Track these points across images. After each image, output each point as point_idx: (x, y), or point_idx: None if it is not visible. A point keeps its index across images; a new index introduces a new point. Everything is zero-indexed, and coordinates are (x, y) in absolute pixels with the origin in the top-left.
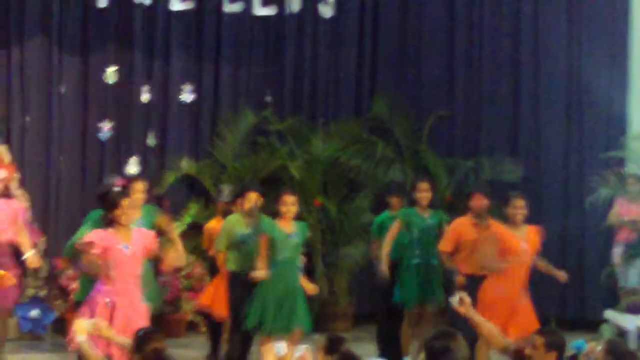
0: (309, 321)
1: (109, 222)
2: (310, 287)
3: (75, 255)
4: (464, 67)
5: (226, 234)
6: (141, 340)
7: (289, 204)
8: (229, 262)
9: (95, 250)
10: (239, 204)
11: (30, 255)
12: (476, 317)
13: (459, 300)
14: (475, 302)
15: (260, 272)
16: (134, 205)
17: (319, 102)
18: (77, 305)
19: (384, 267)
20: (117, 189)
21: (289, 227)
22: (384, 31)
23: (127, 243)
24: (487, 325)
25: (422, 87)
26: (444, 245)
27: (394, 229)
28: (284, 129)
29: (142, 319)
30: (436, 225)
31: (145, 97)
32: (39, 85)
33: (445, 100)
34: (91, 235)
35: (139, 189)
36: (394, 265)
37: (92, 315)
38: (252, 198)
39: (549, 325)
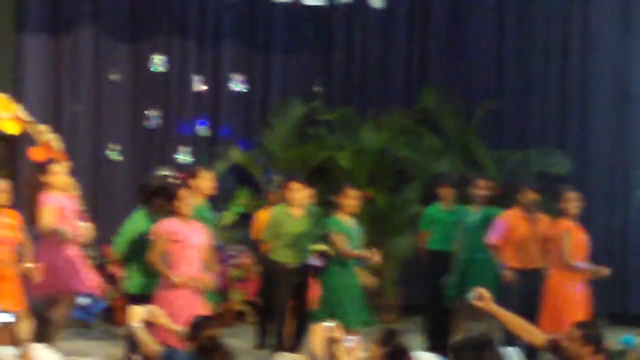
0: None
1: (168, 213)
2: (369, 280)
3: (129, 251)
4: (513, 59)
5: (272, 225)
6: (197, 327)
7: (352, 197)
8: (274, 252)
9: (164, 241)
10: (284, 194)
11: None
12: (499, 312)
13: (479, 296)
14: (533, 295)
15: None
16: (203, 194)
17: (368, 93)
18: (127, 297)
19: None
20: (174, 180)
21: (349, 220)
22: (433, 22)
23: (191, 233)
24: (513, 320)
25: (471, 78)
26: (493, 239)
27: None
28: (333, 120)
29: (200, 307)
30: (485, 219)
31: (196, 86)
32: (90, 74)
33: (494, 92)
34: (159, 226)
35: (208, 178)
36: (442, 258)
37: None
38: (295, 188)
39: (599, 319)
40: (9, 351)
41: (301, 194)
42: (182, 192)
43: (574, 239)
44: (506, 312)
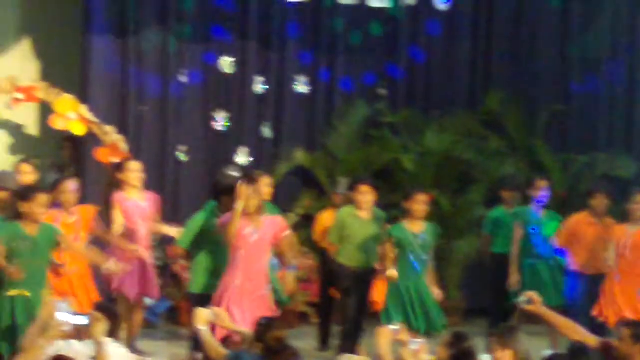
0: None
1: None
2: (437, 292)
3: (191, 245)
4: (579, 61)
5: (339, 227)
6: (263, 329)
7: (421, 202)
8: (340, 255)
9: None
10: (351, 197)
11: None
12: (550, 315)
13: (529, 300)
14: (596, 299)
15: (391, 272)
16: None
17: (432, 95)
18: (191, 297)
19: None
20: (241, 178)
21: (417, 226)
22: (498, 25)
23: (255, 230)
24: (564, 323)
25: (536, 81)
26: (558, 242)
27: (517, 235)
28: (397, 122)
29: (264, 308)
30: (549, 222)
31: (260, 88)
32: (155, 75)
33: (559, 95)
34: (222, 219)
35: (266, 183)
36: (506, 261)
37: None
38: (364, 191)
39: None
40: (84, 347)
41: (369, 197)
42: (248, 190)
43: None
44: (557, 315)
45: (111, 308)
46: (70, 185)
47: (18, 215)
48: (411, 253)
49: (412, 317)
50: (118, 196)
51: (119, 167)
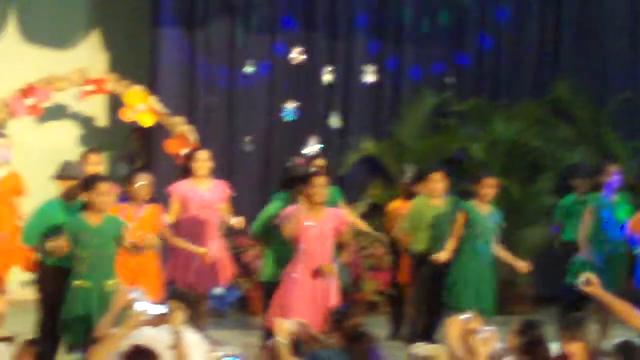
0: (494, 304)
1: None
2: (523, 264)
3: (264, 234)
4: None
5: (413, 215)
6: (340, 317)
7: (489, 186)
8: (416, 243)
9: (290, 222)
10: (423, 185)
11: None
12: (607, 297)
13: (586, 281)
14: None
15: (442, 254)
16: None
17: (500, 84)
18: (261, 286)
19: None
20: (311, 168)
21: (485, 209)
22: (566, 12)
23: (317, 221)
24: (620, 306)
25: (604, 69)
26: (631, 227)
27: (587, 220)
28: (465, 111)
29: (332, 297)
30: (620, 209)
31: (327, 78)
32: (223, 66)
33: (628, 83)
34: (285, 211)
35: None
36: (577, 249)
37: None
38: (437, 179)
39: None
40: (159, 333)
41: (442, 185)
42: (318, 180)
43: None
44: (614, 298)
45: (187, 296)
46: (142, 179)
47: (84, 206)
48: (479, 234)
49: (480, 300)
50: (182, 186)
51: (188, 157)
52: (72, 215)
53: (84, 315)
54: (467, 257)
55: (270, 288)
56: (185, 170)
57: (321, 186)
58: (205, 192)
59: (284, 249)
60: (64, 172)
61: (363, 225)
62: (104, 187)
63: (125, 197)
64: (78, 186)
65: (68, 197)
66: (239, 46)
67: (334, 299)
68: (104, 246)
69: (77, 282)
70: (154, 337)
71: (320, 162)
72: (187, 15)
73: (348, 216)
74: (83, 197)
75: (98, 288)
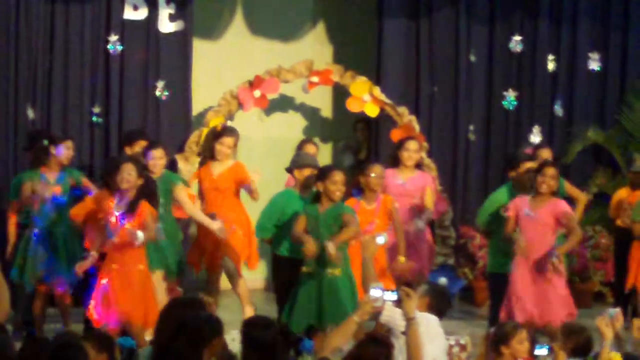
0: None
1: (522, 188)
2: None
3: (489, 224)
4: None
5: None
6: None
7: None
8: None
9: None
10: None
11: None
12: None
13: None
14: None
15: None
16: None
17: None
18: (488, 277)
19: None
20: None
21: None
22: None
23: (537, 210)
24: None
25: None
26: None
27: None
28: None
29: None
30: None
31: (550, 65)
32: (447, 56)
33: None
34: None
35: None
36: None
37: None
38: None
39: None
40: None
41: None
42: (549, 170)
43: None
44: None
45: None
46: (376, 170)
47: (316, 196)
48: None
49: None
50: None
51: (398, 145)
52: (307, 205)
53: (307, 303)
54: None
55: (494, 279)
56: (394, 158)
57: (551, 177)
58: (406, 181)
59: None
60: (300, 162)
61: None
62: (337, 176)
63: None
64: (314, 176)
65: (304, 186)
66: (463, 35)
67: (561, 290)
68: (327, 233)
69: (305, 269)
70: (394, 323)
71: (546, 153)
72: (412, 6)
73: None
74: (317, 187)
75: (323, 276)
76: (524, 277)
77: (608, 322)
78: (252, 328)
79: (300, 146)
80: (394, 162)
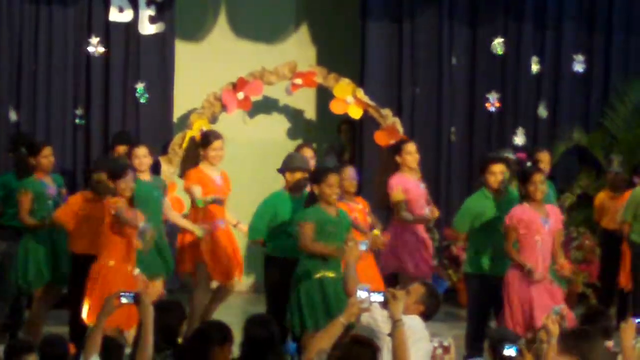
0: None
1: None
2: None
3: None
4: None
5: (634, 205)
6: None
7: None
8: (633, 234)
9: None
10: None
11: None
12: None
13: None
14: None
15: None
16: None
17: None
18: (465, 278)
19: None
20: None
21: None
22: None
23: (546, 218)
24: None
25: None
26: None
27: None
28: None
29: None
30: None
31: (534, 68)
32: (430, 58)
33: None
34: (512, 214)
35: (546, 160)
36: None
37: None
38: None
39: None
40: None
41: None
42: (537, 176)
43: None
44: None
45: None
46: (350, 173)
47: (311, 198)
48: None
49: None
50: (398, 178)
51: (395, 149)
52: (298, 207)
53: (325, 307)
54: None
55: (470, 280)
56: (394, 164)
57: (540, 182)
58: (423, 184)
59: (485, 241)
60: (291, 164)
61: None
62: (333, 179)
63: None
64: (306, 178)
65: (295, 188)
66: (445, 37)
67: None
68: (340, 237)
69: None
70: (375, 325)
71: (543, 156)
72: (395, 8)
73: None
74: (313, 190)
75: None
76: (523, 287)
77: (554, 319)
78: (252, 326)
79: (298, 149)
80: (395, 167)
